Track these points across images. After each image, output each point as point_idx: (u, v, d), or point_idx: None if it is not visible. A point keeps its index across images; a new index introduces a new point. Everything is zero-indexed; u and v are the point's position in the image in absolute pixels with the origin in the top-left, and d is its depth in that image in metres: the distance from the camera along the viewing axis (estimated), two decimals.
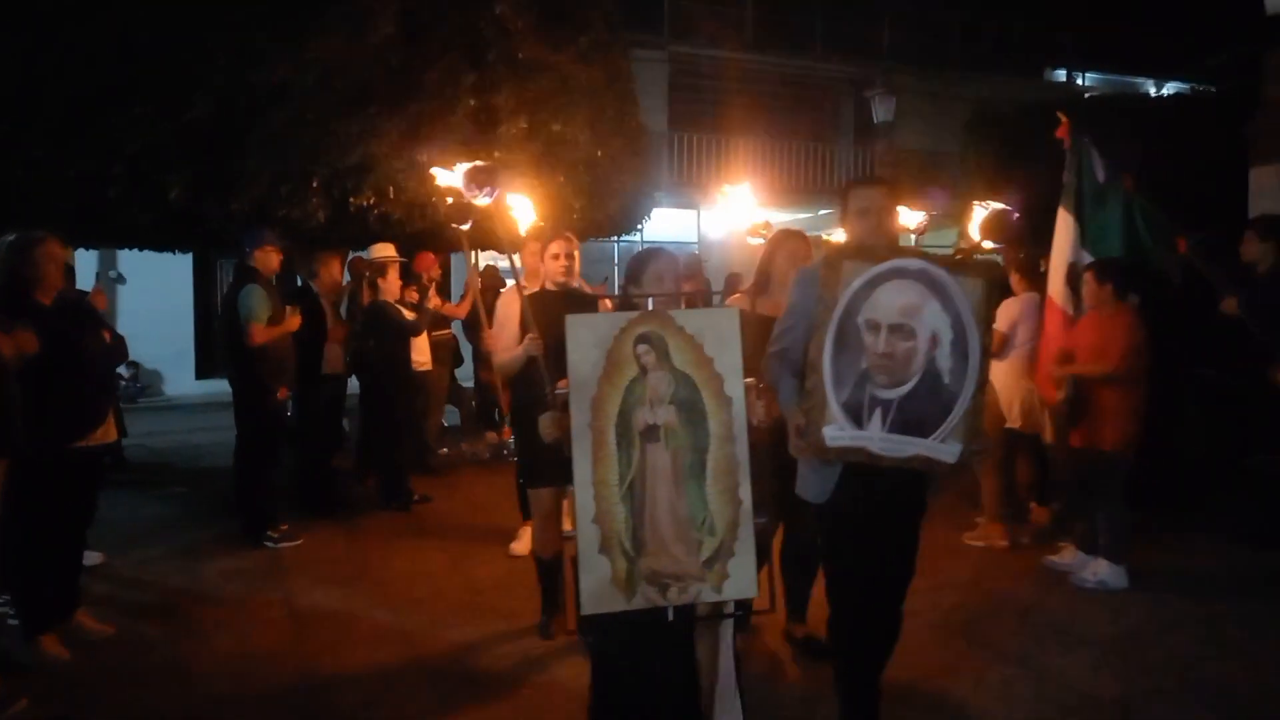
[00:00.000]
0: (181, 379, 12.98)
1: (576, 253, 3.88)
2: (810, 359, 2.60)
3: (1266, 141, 7.05)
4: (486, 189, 3.37)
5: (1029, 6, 16.38)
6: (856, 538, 2.77)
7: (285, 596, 4.57)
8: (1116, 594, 4.44)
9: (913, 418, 2.55)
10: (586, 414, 2.42)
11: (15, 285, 3.68)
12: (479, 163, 3.38)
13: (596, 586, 2.41)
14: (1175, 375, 5.49)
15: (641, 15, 14.80)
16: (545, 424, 2.67)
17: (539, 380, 3.28)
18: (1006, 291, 5.56)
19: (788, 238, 3.80)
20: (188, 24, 5.73)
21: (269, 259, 5.58)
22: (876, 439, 2.56)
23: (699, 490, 2.46)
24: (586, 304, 3.46)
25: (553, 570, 3.94)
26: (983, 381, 2.57)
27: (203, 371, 12.98)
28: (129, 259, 11.62)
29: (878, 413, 2.55)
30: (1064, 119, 5.34)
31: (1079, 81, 17.34)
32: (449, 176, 3.46)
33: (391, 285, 6.43)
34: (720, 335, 2.49)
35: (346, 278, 7.16)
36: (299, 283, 6.91)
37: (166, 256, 8.50)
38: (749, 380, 2.54)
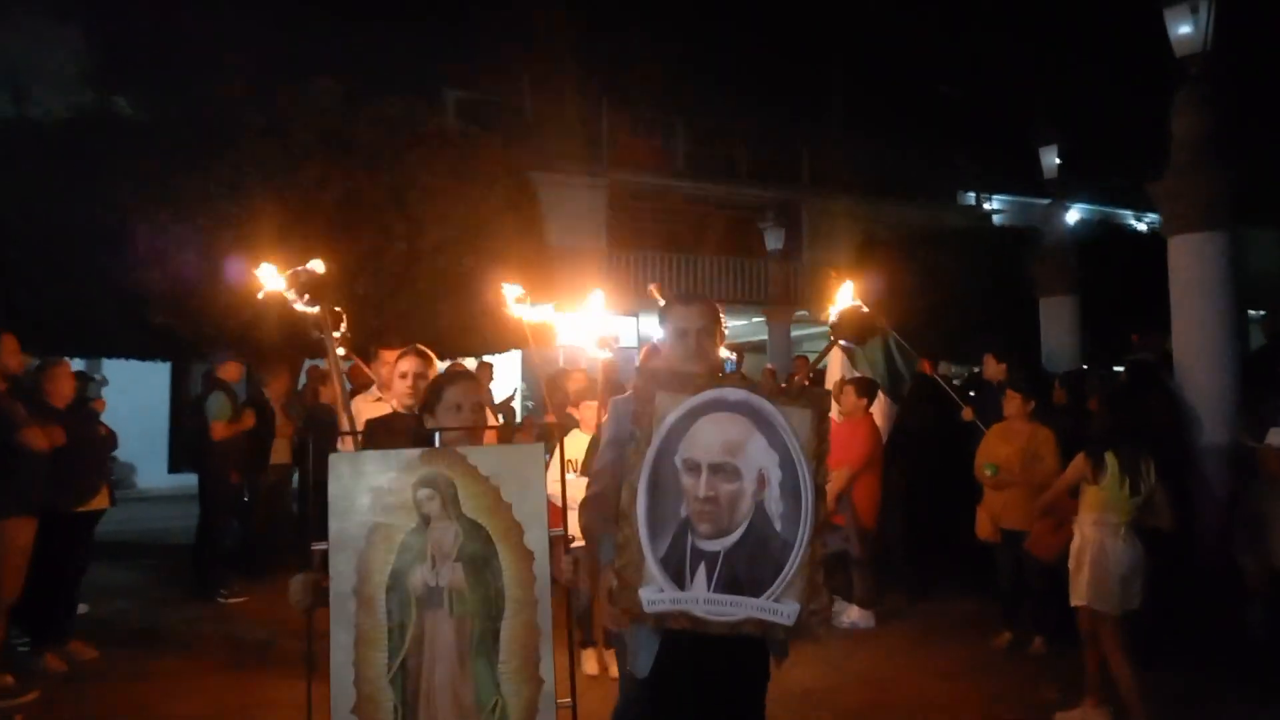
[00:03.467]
0: (154, 472, 14.45)
1: (432, 370, 3.54)
2: (622, 507, 2.31)
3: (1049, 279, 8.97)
4: (306, 296, 3.18)
5: (939, 137, 18.83)
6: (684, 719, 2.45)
7: (231, 638, 6.05)
8: None
9: (742, 573, 2.28)
10: (350, 575, 2.12)
11: (42, 397, 5.32)
12: (302, 267, 3.19)
13: None
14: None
15: (583, 148, 17.13)
16: (295, 590, 2.21)
17: None
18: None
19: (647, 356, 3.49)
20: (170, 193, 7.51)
21: (231, 370, 7.30)
22: (701, 600, 2.27)
23: (488, 669, 2.14)
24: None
25: None
26: (818, 527, 2.31)
27: (175, 465, 14.48)
28: (110, 364, 13.31)
29: (701, 569, 2.28)
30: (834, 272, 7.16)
31: (984, 206, 19.67)
32: (273, 281, 3.29)
33: (331, 390, 8.09)
34: (522, 476, 2.21)
35: (303, 380, 8.83)
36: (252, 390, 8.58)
37: (145, 364, 10.21)
38: (555, 531, 2.28)
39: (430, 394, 2.63)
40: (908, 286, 12.12)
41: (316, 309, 3.20)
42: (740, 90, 16.88)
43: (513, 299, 5.01)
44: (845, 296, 3.67)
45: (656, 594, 2.28)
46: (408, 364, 3.54)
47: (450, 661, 2.13)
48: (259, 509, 7.78)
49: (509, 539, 2.19)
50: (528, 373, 14.49)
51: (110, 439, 5.92)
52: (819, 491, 2.33)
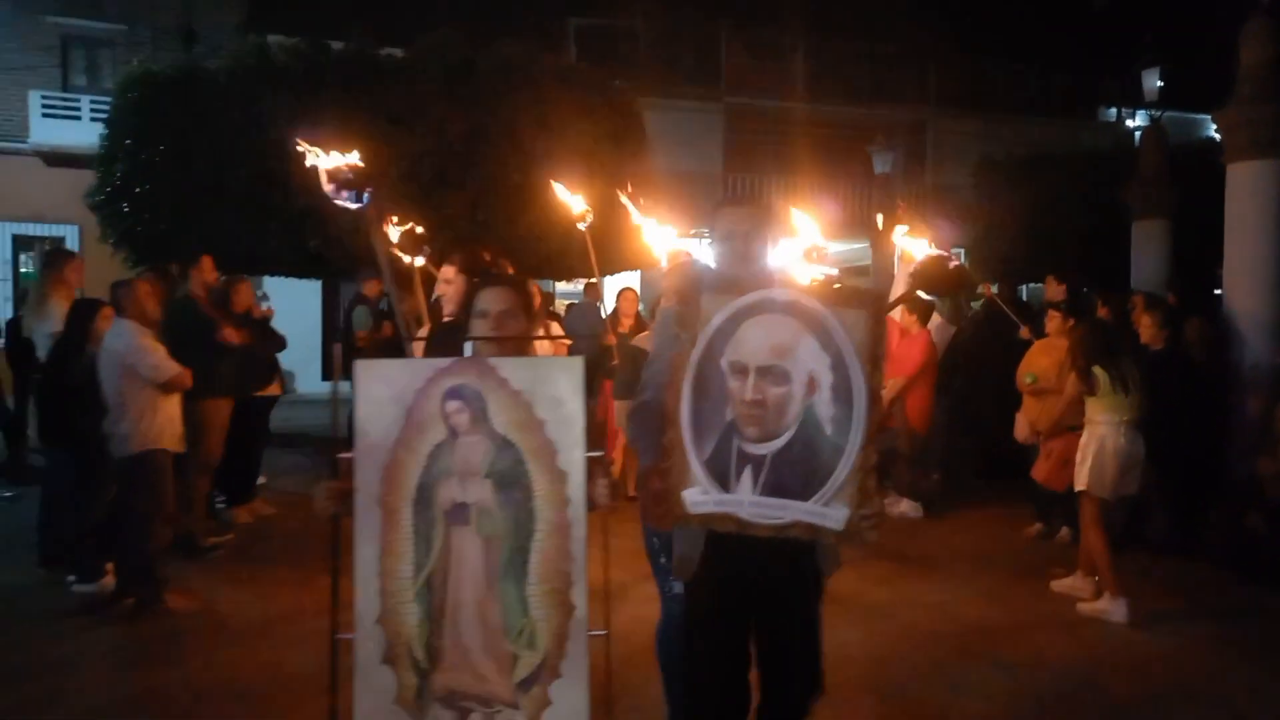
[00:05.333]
0: (310, 379, 16.67)
1: (440, 283, 3.49)
2: (667, 410, 2.34)
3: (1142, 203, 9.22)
4: (350, 193, 3.00)
5: (1076, 51, 18.32)
6: (722, 627, 2.51)
7: None
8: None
9: (789, 477, 2.28)
10: (376, 486, 2.13)
11: (229, 306, 6.87)
12: (348, 160, 2.98)
13: (376, 707, 2.11)
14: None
15: (701, 72, 17.79)
16: (319, 496, 2.23)
17: None
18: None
19: (671, 270, 3.53)
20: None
21: (372, 287, 8.78)
22: (746, 503, 2.29)
23: (517, 590, 2.13)
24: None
25: None
26: (871, 432, 2.29)
27: (326, 374, 16.64)
28: (271, 283, 15.44)
29: (747, 472, 2.29)
30: (902, 204, 7.84)
31: (1128, 123, 18.98)
32: (320, 160, 3.08)
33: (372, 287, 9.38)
34: (556, 392, 2.16)
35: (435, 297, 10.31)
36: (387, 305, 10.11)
37: (302, 282, 12.02)
38: (593, 453, 2.22)
39: (466, 301, 2.61)
40: (1017, 211, 12.39)
41: (357, 205, 3.07)
42: (862, 9, 17.03)
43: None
44: (923, 246, 3.48)
45: (701, 496, 2.30)
46: (449, 269, 3.41)
47: (477, 580, 2.12)
48: None
49: (541, 458, 2.14)
50: (647, 293, 15.66)
51: (280, 339, 7.49)
52: (873, 396, 2.29)
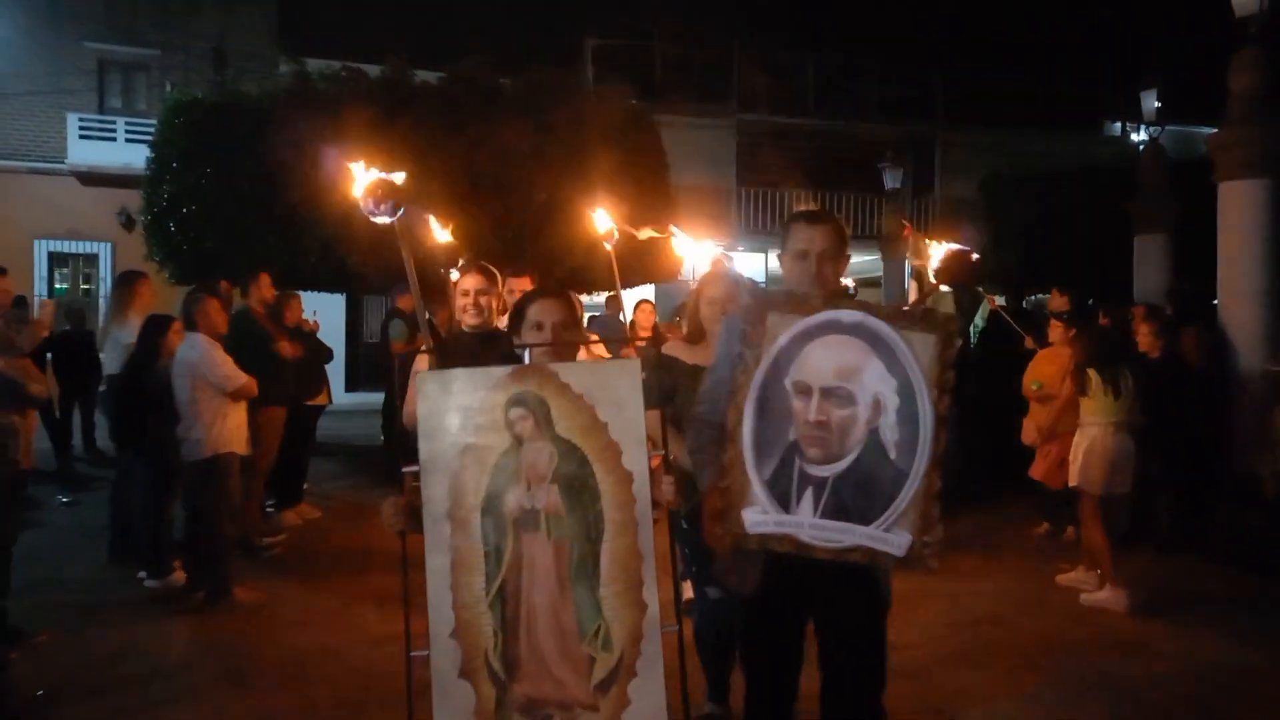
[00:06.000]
0: (335, 389, 17.17)
1: (498, 287, 3.49)
2: (729, 428, 2.35)
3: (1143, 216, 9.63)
4: (385, 206, 3.01)
5: (1082, 64, 18.72)
6: (782, 646, 2.55)
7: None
8: None
9: (851, 500, 2.28)
10: (444, 500, 2.14)
11: (278, 320, 7.34)
12: (385, 175, 3.04)
13: None
14: None
15: (714, 89, 18.29)
16: (387, 511, 2.26)
17: None
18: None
19: (711, 280, 3.58)
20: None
21: (408, 301, 9.25)
22: (806, 525, 2.29)
23: (590, 593, 2.15)
24: (503, 347, 3.17)
25: None
26: (937, 457, 2.29)
27: (350, 384, 17.11)
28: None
29: (808, 494, 2.29)
30: (907, 225, 8.26)
31: (1133, 136, 19.35)
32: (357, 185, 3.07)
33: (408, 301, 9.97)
34: (616, 394, 2.20)
35: None
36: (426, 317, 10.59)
37: (326, 296, 12.54)
38: (655, 452, 2.28)
39: (514, 315, 2.64)
40: (1024, 224, 12.81)
41: (389, 220, 3.02)
42: (871, 26, 17.50)
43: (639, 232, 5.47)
44: (943, 244, 3.43)
45: (760, 516, 2.31)
46: (469, 281, 3.45)
47: (550, 585, 2.14)
48: None
49: (606, 459, 2.18)
50: (664, 306, 16.15)
51: (328, 351, 7.95)
52: (940, 421, 2.28)
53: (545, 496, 2.16)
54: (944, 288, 7.04)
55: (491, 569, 2.14)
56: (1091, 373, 5.34)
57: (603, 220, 5.16)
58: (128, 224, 17.45)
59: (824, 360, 2.32)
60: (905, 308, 2.50)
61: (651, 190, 10.91)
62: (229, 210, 9.61)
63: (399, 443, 9.18)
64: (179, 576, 5.83)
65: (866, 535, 2.28)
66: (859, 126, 18.91)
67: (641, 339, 7.85)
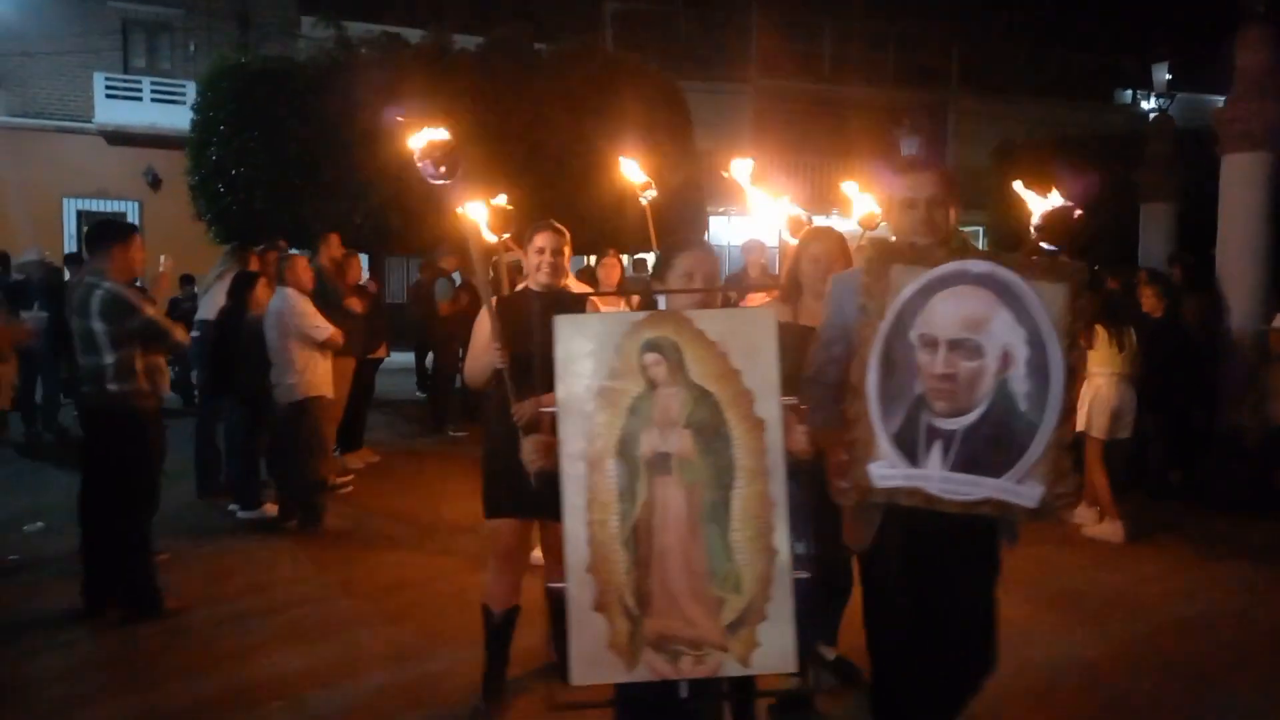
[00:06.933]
0: None
1: (567, 248, 3.53)
2: (852, 382, 2.37)
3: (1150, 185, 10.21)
4: (443, 169, 3.03)
5: (1095, 33, 19.15)
6: (905, 599, 2.53)
7: (465, 458, 8.73)
8: None
9: (981, 453, 2.30)
10: (580, 439, 2.21)
11: (338, 278, 7.95)
12: (439, 135, 3.03)
13: (590, 651, 2.19)
14: None
15: (732, 54, 18.72)
16: (528, 450, 2.38)
17: (506, 396, 3.12)
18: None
19: (815, 237, 3.54)
20: None
21: (450, 262, 9.86)
22: (936, 478, 2.32)
23: (721, 536, 2.21)
24: (571, 308, 3.16)
25: (503, 631, 3.50)
26: (1069, 408, 2.30)
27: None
28: None
29: (937, 447, 2.31)
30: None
31: (1143, 104, 19.83)
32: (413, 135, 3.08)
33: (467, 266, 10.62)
34: (751, 343, 2.24)
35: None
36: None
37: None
38: (788, 400, 2.30)
39: (661, 262, 2.68)
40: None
41: (446, 182, 3.08)
42: None
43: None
44: (1047, 198, 3.27)
45: (888, 470, 2.33)
46: (544, 239, 3.47)
47: (681, 528, 2.20)
48: None
49: (738, 407, 2.23)
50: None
51: (385, 307, 8.59)
52: (1071, 371, 2.30)
53: (677, 441, 2.22)
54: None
55: (626, 508, 2.21)
56: (1099, 328, 5.98)
57: (637, 173, 5.19)
58: (154, 183, 17.99)
59: (951, 312, 2.32)
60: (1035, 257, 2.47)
61: (678, 154, 11.47)
62: (275, 173, 10.19)
63: (443, 398, 9.87)
64: (270, 508, 6.51)
65: (998, 487, 2.30)
66: (874, 92, 19.37)
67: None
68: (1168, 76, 11.00)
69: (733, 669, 2.21)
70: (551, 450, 2.25)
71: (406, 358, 12.21)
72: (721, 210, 17.57)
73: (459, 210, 3.31)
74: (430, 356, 11.03)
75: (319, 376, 6.25)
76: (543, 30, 11.14)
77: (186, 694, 3.78)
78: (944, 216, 2.57)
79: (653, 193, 5.56)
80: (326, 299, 7.20)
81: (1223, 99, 7.75)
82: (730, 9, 18.65)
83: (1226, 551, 5.96)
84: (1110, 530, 6.02)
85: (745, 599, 2.21)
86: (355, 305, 7.44)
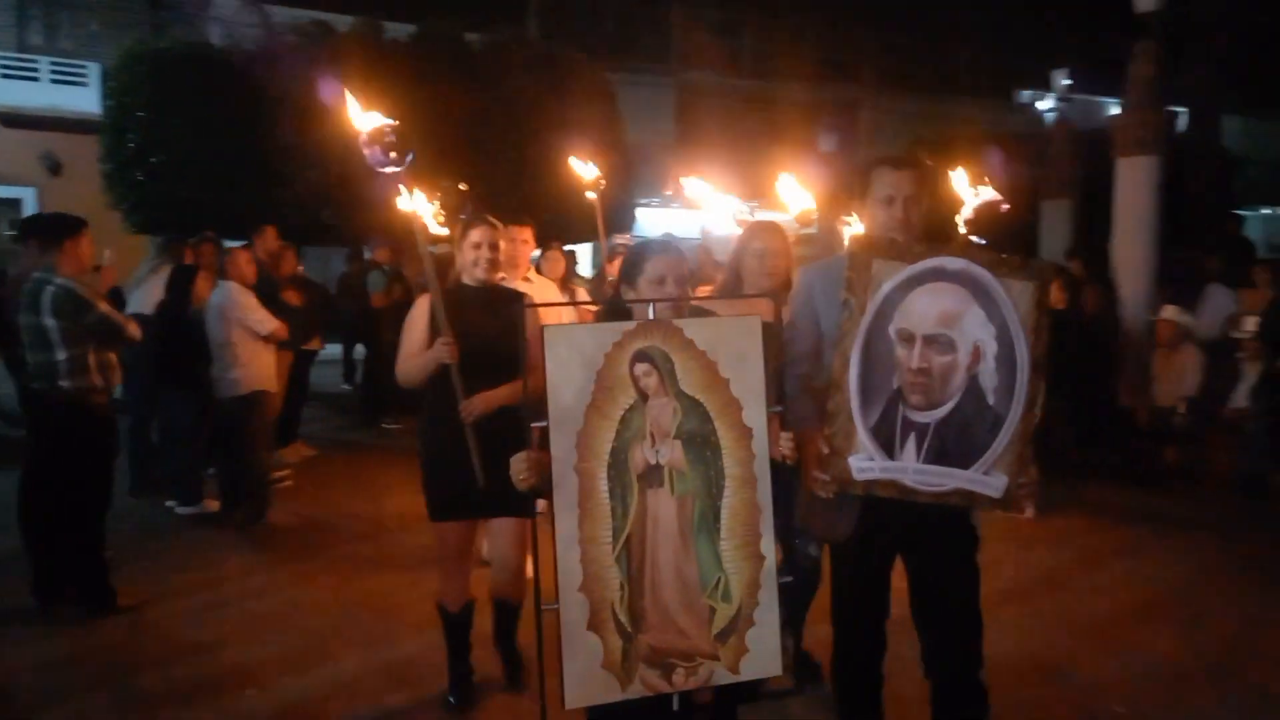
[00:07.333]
0: None
1: (503, 243, 3.50)
2: (834, 376, 2.43)
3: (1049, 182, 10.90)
4: (393, 154, 3.00)
5: (997, 35, 20.07)
6: (878, 584, 2.64)
7: (399, 452, 8.77)
8: None
9: (952, 445, 2.39)
10: (571, 453, 2.18)
11: (273, 271, 7.92)
12: (387, 121, 2.98)
13: (584, 672, 2.18)
14: None
15: (655, 47, 18.98)
16: (518, 466, 2.28)
17: (448, 393, 3.12)
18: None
19: (759, 232, 3.52)
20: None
21: (384, 254, 9.87)
22: (910, 470, 2.39)
23: (711, 546, 2.24)
24: (510, 302, 3.32)
25: (461, 625, 3.61)
26: (1033, 402, 2.39)
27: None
28: None
29: (911, 439, 2.39)
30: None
31: (1037, 105, 20.88)
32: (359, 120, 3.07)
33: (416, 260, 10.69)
34: (738, 350, 2.27)
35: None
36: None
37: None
38: (773, 408, 2.33)
39: (630, 266, 2.59)
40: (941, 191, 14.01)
41: (397, 169, 3.10)
42: None
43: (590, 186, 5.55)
44: (973, 193, 3.40)
45: (866, 462, 2.40)
46: (480, 234, 3.41)
47: (673, 540, 2.21)
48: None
49: (727, 415, 2.25)
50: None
51: (320, 299, 8.55)
52: (1036, 366, 2.37)
53: (669, 452, 2.22)
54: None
55: (618, 524, 2.20)
56: None
57: (588, 170, 5.30)
58: (54, 168, 17.21)
59: (927, 307, 2.38)
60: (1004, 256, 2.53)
61: (609, 147, 11.65)
62: (204, 161, 9.95)
63: (377, 391, 9.85)
64: (210, 504, 6.49)
65: (966, 478, 2.39)
66: (794, 89, 19.87)
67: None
68: (1066, 82, 11.69)
69: (723, 677, 2.25)
70: (543, 466, 2.23)
71: (333, 349, 12.13)
72: (645, 201, 17.82)
73: (403, 200, 3.29)
74: (360, 349, 11.00)
75: (263, 370, 6.27)
76: (469, 20, 11.11)
77: (159, 684, 3.85)
78: (919, 215, 2.64)
79: (602, 184, 5.75)
80: (263, 292, 7.18)
81: (1115, 100, 8.37)
82: (653, 2, 18.89)
83: (1120, 519, 6.54)
84: None
85: (734, 606, 2.25)
86: (292, 298, 7.43)
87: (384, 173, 3.12)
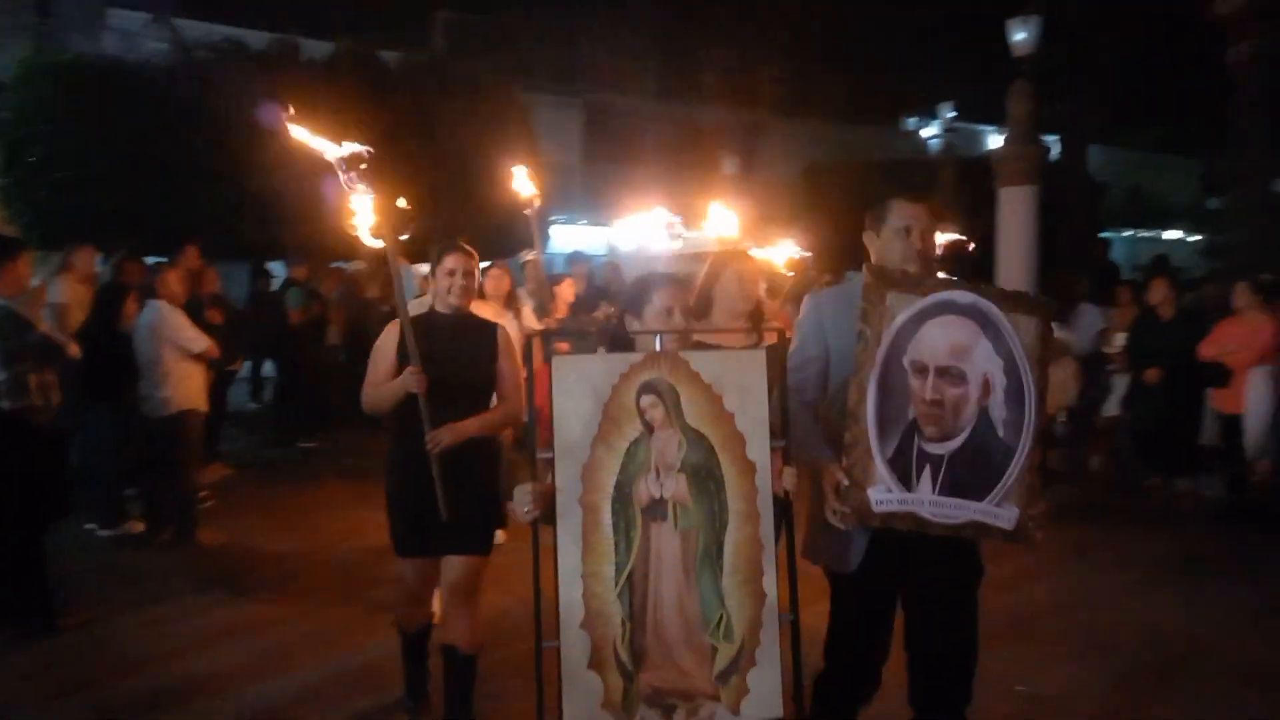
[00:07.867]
0: None
1: (477, 270, 3.49)
2: (850, 407, 2.40)
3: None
4: (360, 182, 3.14)
5: (883, 62, 21.23)
6: (883, 620, 2.62)
7: (317, 470, 8.78)
8: None
9: (965, 477, 2.40)
10: (576, 485, 2.15)
11: (195, 289, 7.87)
12: (361, 149, 3.08)
13: (584, 712, 2.14)
14: None
15: (564, 69, 19.34)
16: (521, 498, 2.23)
17: (416, 422, 3.06)
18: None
19: (733, 258, 3.54)
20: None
21: (302, 271, 9.87)
22: (926, 502, 2.38)
23: (713, 582, 2.20)
24: (482, 331, 3.27)
25: (419, 644, 3.61)
26: (1039, 433, 2.43)
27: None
28: None
29: (927, 470, 2.38)
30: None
31: (921, 133, 22.16)
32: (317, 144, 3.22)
33: (381, 283, 10.71)
34: (743, 384, 2.25)
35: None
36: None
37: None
38: (776, 443, 2.31)
39: (636, 296, 2.60)
40: (840, 209, 14.79)
41: (365, 190, 3.24)
42: (711, 19, 19.09)
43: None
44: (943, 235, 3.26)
45: (885, 494, 2.37)
46: (454, 261, 3.39)
47: (676, 575, 2.18)
48: (321, 377, 10.43)
49: (731, 450, 2.23)
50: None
51: (243, 321, 8.52)
52: (1041, 398, 2.41)
53: (673, 485, 2.20)
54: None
55: (621, 558, 2.17)
56: None
57: (525, 186, 5.34)
58: None
59: (939, 340, 2.40)
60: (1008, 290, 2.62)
61: (524, 165, 11.90)
62: (111, 175, 9.75)
63: (294, 410, 9.76)
64: (134, 525, 6.41)
65: (980, 510, 2.41)
66: (697, 111, 20.54)
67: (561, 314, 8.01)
68: (952, 114, 12.62)
69: (725, 718, 2.22)
70: (548, 498, 2.20)
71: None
72: (555, 219, 18.12)
73: (369, 224, 3.40)
74: (271, 366, 10.89)
75: (194, 389, 6.27)
76: (380, 38, 11.23)
77: (126, 695, 3.92)
78: (932, 246, 2.68)
79: (537, 202, 5.94)
80: (187, 311, 7.15)
81: (995, 128, 9.14)
82: (559, 23, 19.25)
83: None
84: None
85: (736, 646, 2.23)
86: (214, 316, 7.42)
87: (356, 195, 3.29)
